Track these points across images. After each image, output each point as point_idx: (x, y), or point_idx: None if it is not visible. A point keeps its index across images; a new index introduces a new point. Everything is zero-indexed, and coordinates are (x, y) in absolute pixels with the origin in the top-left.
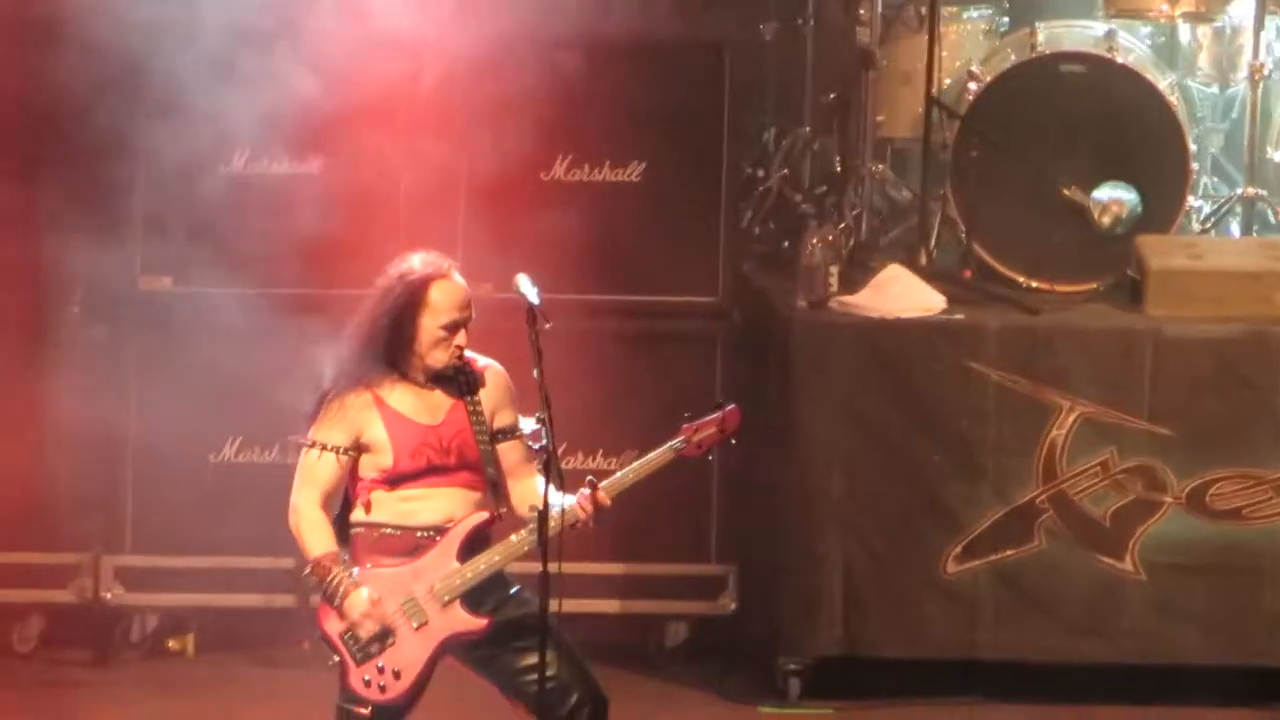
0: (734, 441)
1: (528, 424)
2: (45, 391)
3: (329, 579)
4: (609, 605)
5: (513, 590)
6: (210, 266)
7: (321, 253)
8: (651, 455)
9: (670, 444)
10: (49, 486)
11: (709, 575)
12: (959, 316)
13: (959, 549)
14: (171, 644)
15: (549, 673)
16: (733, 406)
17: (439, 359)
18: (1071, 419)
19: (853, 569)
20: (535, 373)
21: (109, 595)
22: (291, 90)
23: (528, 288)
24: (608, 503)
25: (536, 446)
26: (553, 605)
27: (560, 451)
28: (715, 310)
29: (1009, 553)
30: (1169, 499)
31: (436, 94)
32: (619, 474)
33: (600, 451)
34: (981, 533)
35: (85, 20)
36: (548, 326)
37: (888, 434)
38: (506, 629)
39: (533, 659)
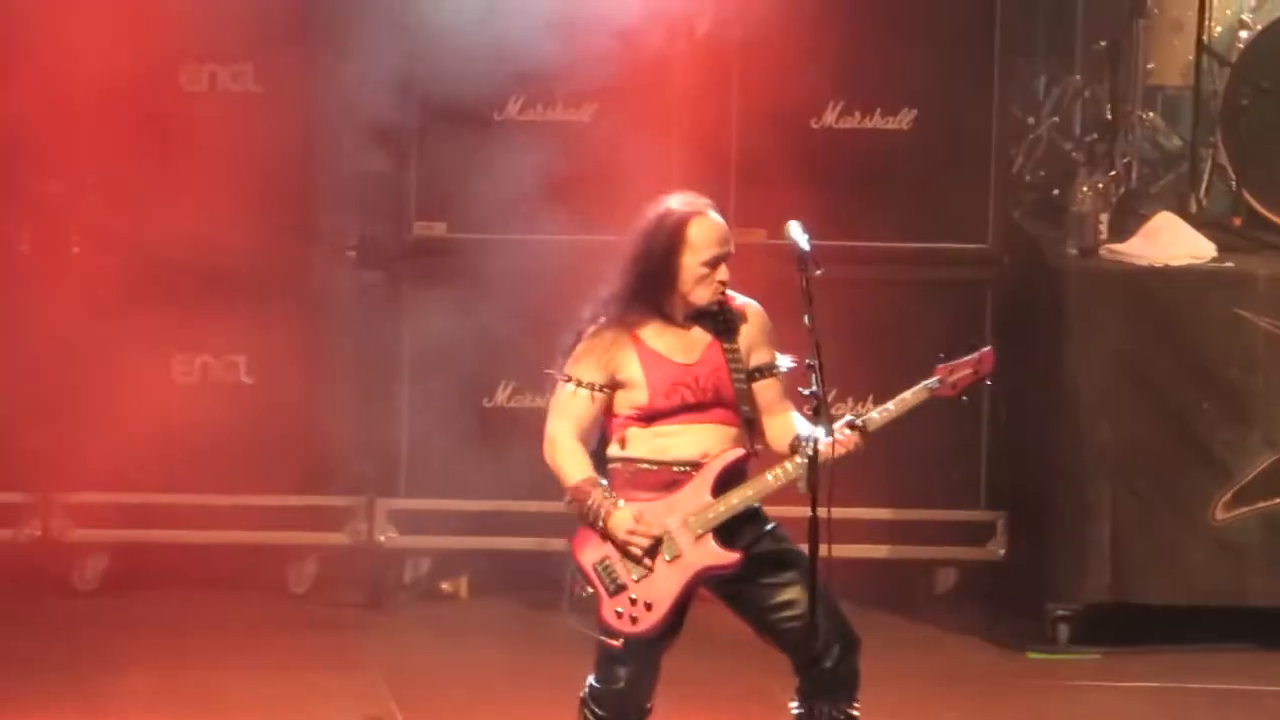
0: (989, 383)
1: (784, 360)
2: (321, 337)
3: (588, 502)
4: (878, 550)
5: (768, 526)
6: (484, 213)
7: (593, 199)
8: (905, 395)
9: (925, 384)
10: (325, 431)
11: (978, 521)
12: (1229, 264)
13: (1228, 496)
14: (444, 586)
15: (798, 612)
16: (988, 348)
17: (703, 296)
18: None
19: (1122, 516)
20: (806, 319)
21: (383, 538)
22: (565, 37)
23: (799, 234)
24: (862, 441)
25: (807, 392)
26: (822, 550)
27: (830, 398)
28: (985, 257)
29: (1278, 500)
30: None
31: (709, 41)
32: (873, 412)
33: (870, 397)
34: (1251, 480)
35: None
36: (819, 273)
37: (1157, 381)
38: (761, 564)
39: (785, 595)
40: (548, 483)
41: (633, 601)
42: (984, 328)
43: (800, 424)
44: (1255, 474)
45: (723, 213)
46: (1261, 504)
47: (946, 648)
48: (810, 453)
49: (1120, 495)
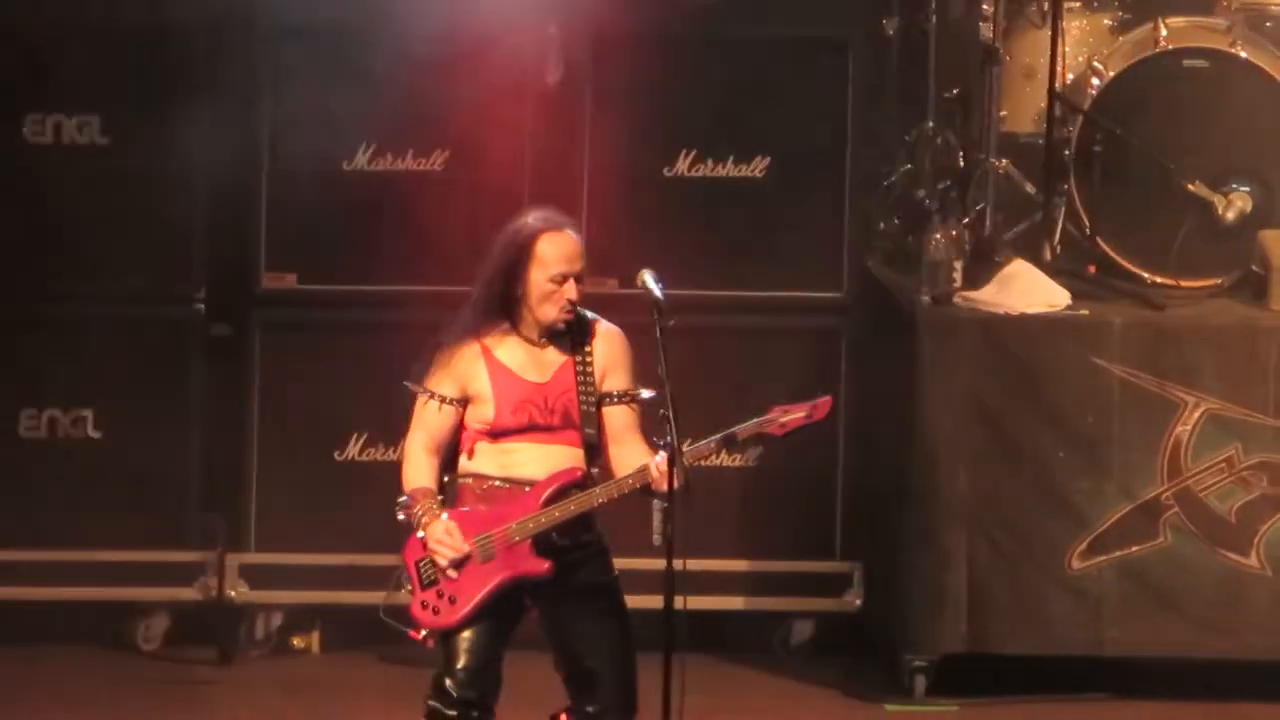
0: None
1: (644, 392)
2: (171, 390)
3: (415, 509)
4: (734, 602)
5: (605, 559)
6: (334, 264)
7: (444, 249)
8: (735, 428)
9: (756, 420)
10: (175, 485)
11: (834, 572)
12: (1083, 312)
13: (1084, 545)
14: (295, 642)
15: (593, 652)
16: (827, 397)
17: (549, 313)
18: (1196, 415)
19: (978, 565)
20: (660, 369)
21: (233, 593)
22: (415, 86)
23: (652, 283)
24: (683, 471)
25: (661, 442)
26: (678, 602)
27: (684, 447)
28: (839, 305)
29: (1134, 549)
30: None
31: (560, 90)
32: (700, 443)
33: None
34: (1107, 529)
35: (211, 21)
36: (672, 322)
37: (1012, 430)
38: (584, 592)
39: (589, 629)
40: (399, 535)
41: (439, 595)
42: (838, 376)
43: (642, 456)
44: (1111, 523)
45: None
46: (1117, 553)
47: (803, 700)
48: (665, 505)
49: (976, 545)
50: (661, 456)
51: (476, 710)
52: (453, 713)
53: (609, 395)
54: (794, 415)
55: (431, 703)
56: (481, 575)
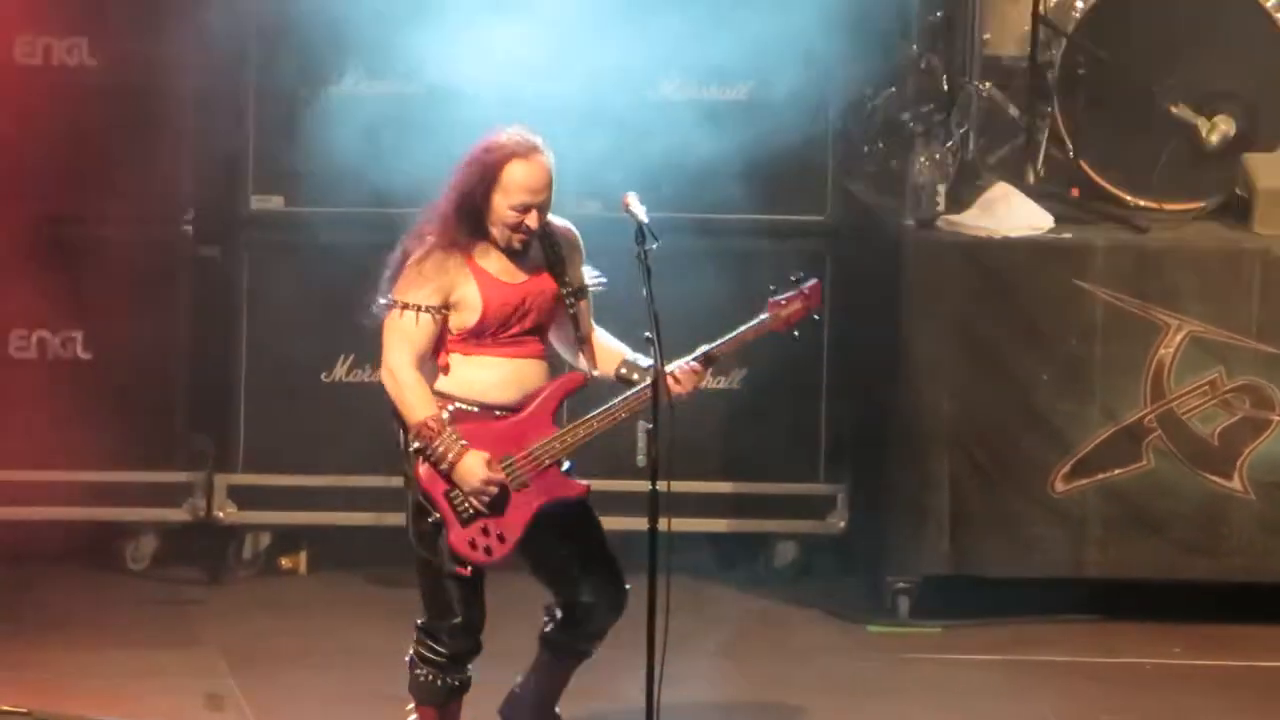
0: (816, 317)
1: (594, 274)
2: (159, 311)
3: (436, 443)
4: (718, 524)
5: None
6: (321, 186)
7: (432, 171)
8: (739, 330)
9: (758, 319)
10: (164, 406)
11: (818, 494)
12: (1066, 235)
13: (1067, 468)
14: (283, 562)
15: (575, 572)
16: (815, 280)
17: (502, 236)
18: (1179, 338)
19: (961, 487)
20: (644, 291)
21: (222, 514)
22: (397, 9)
23: (637, 206)
24: (704, 372)
25: (645, 365)
26: (661, 524)
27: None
28: (823, 229)
29: (1117, 472)
30: (1277, 417)
31: (546, 14)
32: (706, 348)
33: (709, 370)
34: (1090, 452)
35: None
36: (656, 245)
37: (996, 352)
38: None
39: (563, 542)
40: (387, 457)
41: (485, 533)
42: (822, 299)
43: (613, 341)
44: (1094, 445)
45: (560, 185)
46: (1100, 475)
47: (787, 622)
48: (651, 424)
49: (959, 467)
50: (676, 365)
51: (469, 644)
52: (444, 656)
53: (579, 291)
54: (792, 308)
55: (432, 649)
56: (521, 506)
